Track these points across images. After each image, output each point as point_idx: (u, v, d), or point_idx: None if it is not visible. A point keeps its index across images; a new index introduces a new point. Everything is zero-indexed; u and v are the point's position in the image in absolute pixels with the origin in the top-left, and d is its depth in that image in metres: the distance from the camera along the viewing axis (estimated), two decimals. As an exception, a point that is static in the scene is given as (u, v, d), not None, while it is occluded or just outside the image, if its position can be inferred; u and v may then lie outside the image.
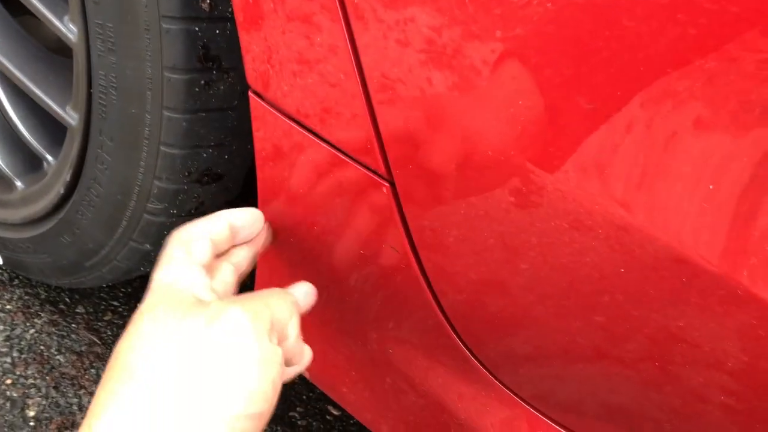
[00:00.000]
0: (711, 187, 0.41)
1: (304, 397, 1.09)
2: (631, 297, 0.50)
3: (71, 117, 0.78)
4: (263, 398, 0.47)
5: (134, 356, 0.46)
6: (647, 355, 0.53)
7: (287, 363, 0.54)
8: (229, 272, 0.58)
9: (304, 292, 0.62)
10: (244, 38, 0.58)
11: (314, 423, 1.06)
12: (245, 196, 0.86)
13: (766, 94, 0.38)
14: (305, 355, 0.59)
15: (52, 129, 0.89)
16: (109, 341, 1.08)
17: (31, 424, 0.95)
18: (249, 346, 0.47)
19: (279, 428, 1.04)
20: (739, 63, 0.38)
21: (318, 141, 0.58)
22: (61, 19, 0.72)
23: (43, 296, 1.11)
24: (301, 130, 0.59)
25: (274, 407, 0.49)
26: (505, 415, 0.65)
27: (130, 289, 1.16)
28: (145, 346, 0.47)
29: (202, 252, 0.55)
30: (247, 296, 0.53)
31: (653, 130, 0.42)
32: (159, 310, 0.49)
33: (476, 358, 0.64)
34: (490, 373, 0.64)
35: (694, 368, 0.50)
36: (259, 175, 0.66)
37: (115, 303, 1.14)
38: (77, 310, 1.11)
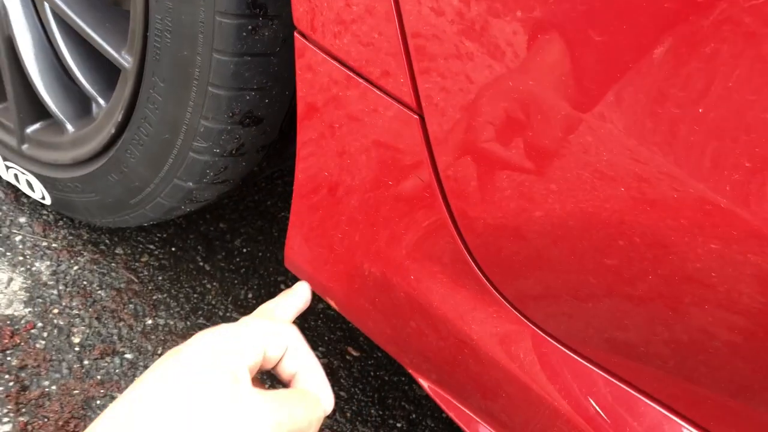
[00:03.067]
0: (715, 134, 0.47)
1: (326, 338, 1.16)
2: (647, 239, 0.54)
3: (126, 60, 0.85)
4: None
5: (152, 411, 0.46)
6: (658, 295, 0.57)
7: None
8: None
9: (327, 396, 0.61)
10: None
11: (335, 362, 1.13)
12: (282, 142, 0.93)
13: None
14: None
15: (105, 74, 0.96)
16: (146, 280, 1.15)
17: (76, 349, 1.03)
18: None
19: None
20: None
21: (355, 77, 0.64)
22: (121, -32, 0.79)
23: (85, 237, 1.19)
24: (341, 67, 0.65)
25: None
26: (517, 337, 0.71)
27: (165, 234, 1.24)
28: (163, 404, 0.47)
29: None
30: (281, 398, 0.53)
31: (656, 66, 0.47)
32: (197, 376, 0.49)
33: (495, 288, 0.70)
34: (508, 302, 0.70)
35: (703, 308, 0.54)
36: (300, 109, 0.72)
37: (152, 246, 1.21)
38: (116, 251, 1.18)
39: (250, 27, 0.73)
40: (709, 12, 0.44)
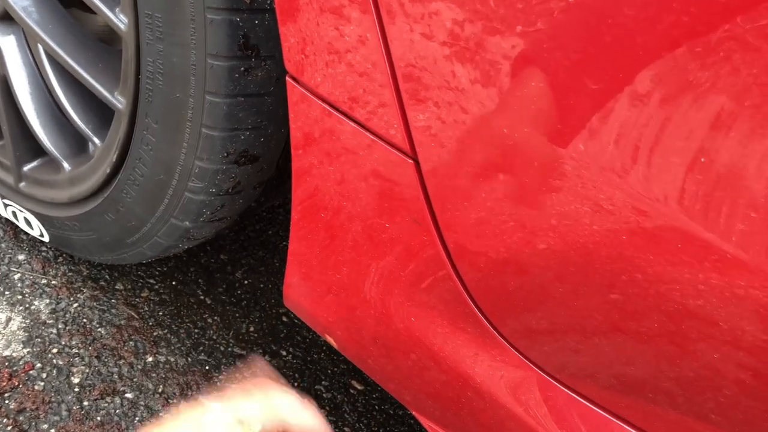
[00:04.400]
0: (702, 160, 0.45)
1: (329, 371, 1.15)
2: (648, 277, 0.53)
3: (119, 101, 0.84)
4: None
5: None
6: (663, 331, 0.56)
7: None
8: None
9: None
10: (283, 28, 0.63)
11: (338, 396, 1.11)
12: (279, 178, 0.92)
13: None
14: None
15: (99, 113, 0.95)
16: (146, 316, 1.14)
17: (76, 390, 1.02)
18: None
19: (305, 400, 1.09)
20: None
21: (348, 121, 0.63)
22: (113, 11, 0.78)
23: (85, 273, 1.18)
24: (333, 111, 0.64)
25: None
26: (518, 379, 0.69)
27: (165, 268, 1.22)
28: None
29: None
30: None
31: (645, 112, 0.46)
32: None
33: (494, 327, 0.68)
34: (507, 342, 0.68)
35: (710, 344, 0.53)
36: (294, 153, 0.71)
37: (152, 281, 1.20)
38: (116, 287, 1.17)
39: (242, 68, 0.72)
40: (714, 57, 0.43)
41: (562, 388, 0.68)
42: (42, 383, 1.01)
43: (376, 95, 0.59)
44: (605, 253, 0.54)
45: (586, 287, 0.58)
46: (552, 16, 0.47)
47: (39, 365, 1.03)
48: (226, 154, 0.79)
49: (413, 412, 0.86)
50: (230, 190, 0.85)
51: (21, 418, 0.96)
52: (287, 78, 0.66)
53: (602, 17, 0.45)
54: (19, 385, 1.00)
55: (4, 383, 0.99)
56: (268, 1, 0.70)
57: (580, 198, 0.52)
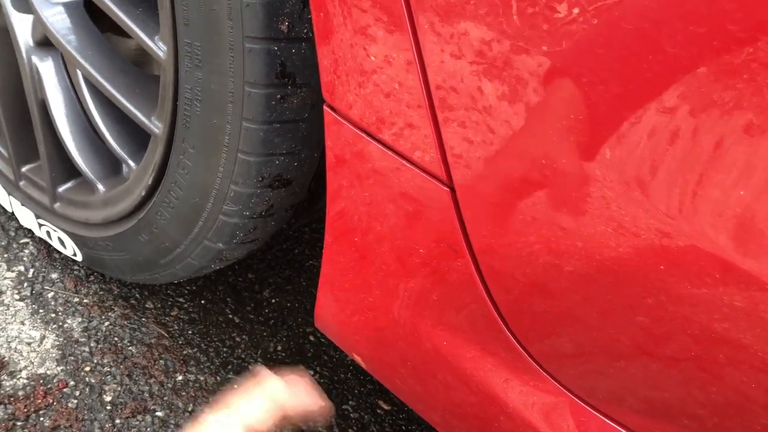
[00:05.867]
0: (742, 193, 0.46)
1: (356, 391, 1.15)
2: (673, 299, 0.54)
3: (156, 126, 0.86)
4: None
5: None
6: (690, 355, 0.56)
7: None
8: None
9: None
10: (322, 55, 0.65)
11: (366, 416, 1.12)
12: (310, 200, 0.93)
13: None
14: None
15: (135, 136, 0.97)
16: (176, 335, 1.16)
17: (108, 407, 1.03)
18: None
19: (333, 420, 1.10)
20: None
21: (384, 149, 0.65)
22: (152, 38, 0.80)
23: (116, 292, 1.19)
24: (369, 139, 0.65)
25: None
26: (550, 403, 0.70)
27: (194, 287, 1.24)
28: None
29: None
30: None
31: (689, 139, 0.47)
32: None
33: (526, 350, 0.69)
34: (539, 365, 0.69)
35: (738, 368, 0.53)
36: (329, 178, 0.72)
37: (181, 300, 1.22)
38: (147, 305, 1.19)
39: (278, 96, 0.74)
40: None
41: (595, 412, 0.69)
42: (75, 401, 1.03)
43: (412, 122, 0.61)
44: (637, 276, 0.55)
45: (615, 309, 0.59)
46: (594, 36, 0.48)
47: (72, 383, 1.05)
48: (260, 179, 0.80)
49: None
50: (263, 213, 0.86)
51: (55, 435, 0.98)
52: (325, 107, 0.67)
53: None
54: (53, 402, 1.02)
55: (39, 400, 1.01)
56: (305, 30, 0.71)
57: (608, 220, 0.53)
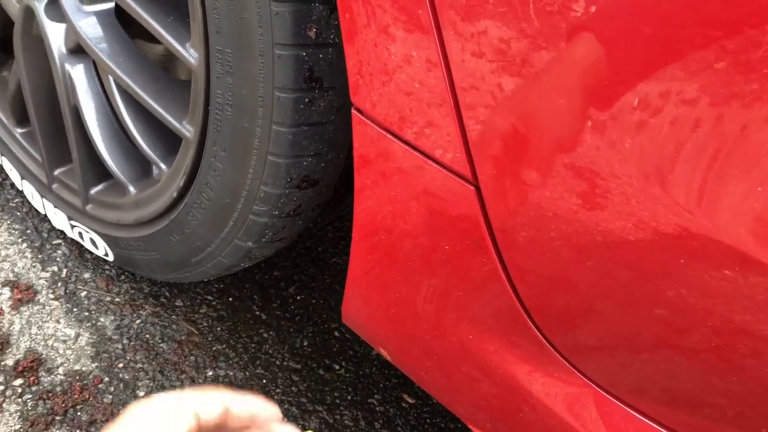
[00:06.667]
0: (759, 189, 0.48)
1: (381, 385, 1.18)
2: (693, 292, 0.55)
3: (187, 130, 0.89)
4: None
5: None
6: (711, 346, 0.58)
7: None
8: None
9: None
10: (350, 58, 0.67)
11: (391, 409, 1.15)
12: (335, 200, 0.96)
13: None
14: None
15: (166, 140, 1.00)
16: (205, 331, 1.19)
17: (142, 402, 1.06)
18: None
19: (359, 414, 1.13)
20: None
21: (410, 149, 0.67)
22: (183, 46, 0.83)
23: (146, 290, 1.23)
24: (395, 140, 0.67)
25: None
26: (573, 394, 0.72)
27: (222, 285, 1.27)
28: None
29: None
30: None
31: (708, 132, 0.49)
32: None
33: (550, 343, 0.71)
34: (563, 357, 0.71)
35: (759, 359, 0.54)
36: (357, 180, 0.75)
37: (210, 297, 1.25)
38: (176, 303, 1.22)
39: (306, 100, 0.76)
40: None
41: (618, 403, 0.70)
42: (110, 396, 1.06)
43: (439, 121, 0.63)
44: (658, 269, 0.57)
45: (636, 302, 0.61)
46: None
47: (107, 379, 1.08)
48: (289, 179, 0.83)
49: (467, 424, 0.89)
50: (292, 213, 0.89)
51: (92, 429, 1.01)
52: (353, 110, 0.70)
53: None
54: (89, 398, 1.05)
55: (76, 396, 1.05)
56: (332, 36, 0.74)
57: (628, 215, 0.55)
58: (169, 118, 0.91)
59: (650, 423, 0.69)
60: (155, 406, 0.47)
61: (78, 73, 1.03)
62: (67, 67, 1.02)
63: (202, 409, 0.48)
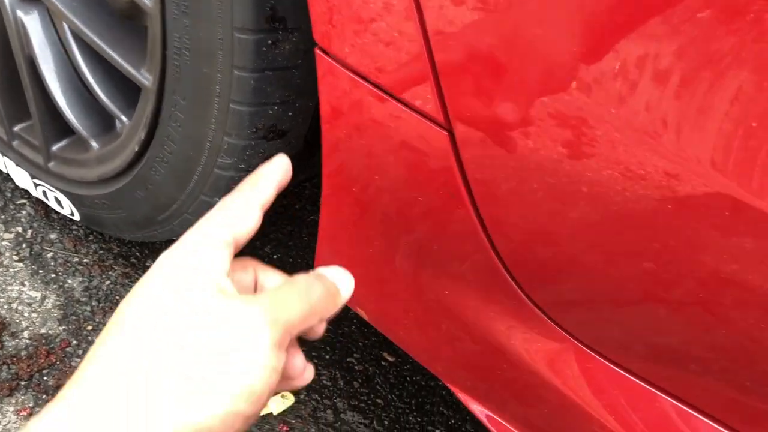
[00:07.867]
0: (754, 124, 0.44)
1: (360, 344, 1.15)
2: (681, 242, 0.52)
3: (146, 78, 0.84)
4: (260, 403, 0.46)
5: (136, 316, 0.46)
6: (698, 299, 0.55)
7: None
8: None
9: (345, 287, 0.59)
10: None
11: (370, 368, 1.12)
12: (308, 153, 0.91)
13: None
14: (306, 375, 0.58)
15: (126, 91, 0.95)
16: (178, 292, 1.15)
17: (112, 366, 1.03)
18: (261, 351, 0.46)
19: (338, 373, 1.10)
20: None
21: (379, 92, 0.62)
22: (137, -14, 0.77)
23: (116, 251, 1.18)
24: (363, 83, 0.63)
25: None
26: (554, 350, 0.69)
27: (195, 244, 1.23)
28: (151, 313, 0.46)
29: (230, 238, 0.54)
30: (271, 295, 0.51)
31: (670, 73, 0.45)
32: (178, 287, 0.48)
33: (530, 298, 0.68)
34: (543, 312, 0.68)
35: (746, 311, 0.52)
36: (324, 127, 0.70)
37: (182, 257, 1.21)
38: (147, 264, 1.18)
39: (269, 41, 0.71)
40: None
41: (600, 359, 0.68)
42: (78, 360, 1.03)
43: (409, 65, 0.58)
44: (644, 219, 0.53)
45: (622, 255, 0.58)
46: None
47: (75, 342, 1.05)
48: (254, 130, 0.78)
49: (446, 383, 0.86)
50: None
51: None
52: (316, 50, 0.65)
53: None
54: (56, 362, 1.01)
55: (42, 360, 1.01)
56: (295, -28, 0.68)
57: (613, 163, 0.51)
58: (127, 66, 0.85)
59: (634, 379, 0.67)
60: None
61: (31, 20, 0.97)
62: (20, 14, 0.96)
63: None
